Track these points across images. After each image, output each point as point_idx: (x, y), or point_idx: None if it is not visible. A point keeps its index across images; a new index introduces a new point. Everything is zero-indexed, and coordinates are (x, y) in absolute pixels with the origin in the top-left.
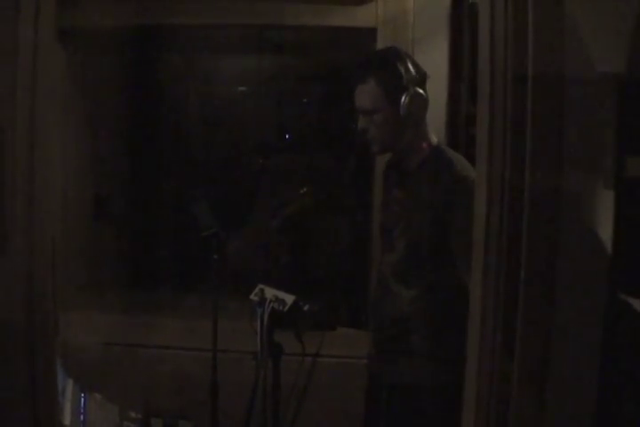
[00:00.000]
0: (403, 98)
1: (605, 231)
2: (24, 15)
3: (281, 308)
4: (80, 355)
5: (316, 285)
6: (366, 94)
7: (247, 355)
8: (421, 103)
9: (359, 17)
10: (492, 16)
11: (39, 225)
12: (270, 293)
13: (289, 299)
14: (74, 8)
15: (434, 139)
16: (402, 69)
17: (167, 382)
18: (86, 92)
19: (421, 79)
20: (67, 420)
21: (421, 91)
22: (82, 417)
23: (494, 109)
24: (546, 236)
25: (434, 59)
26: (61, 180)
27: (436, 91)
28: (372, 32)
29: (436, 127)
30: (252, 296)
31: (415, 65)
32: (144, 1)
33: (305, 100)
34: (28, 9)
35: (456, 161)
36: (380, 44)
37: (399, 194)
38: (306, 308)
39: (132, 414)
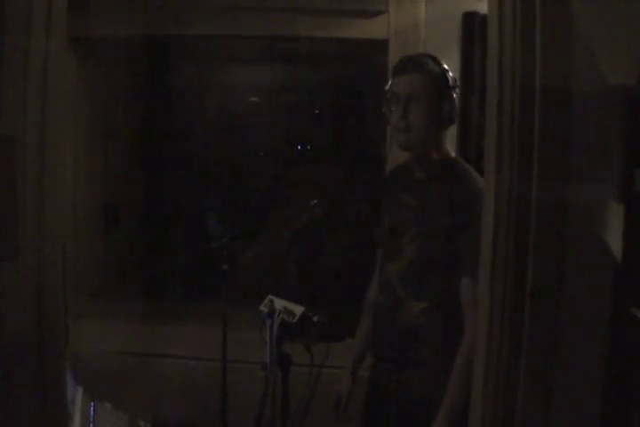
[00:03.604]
0: (448, 95)
1: (615, 244)
2: (35, 23)
3: (290, 319)
4: (91, 363)
5: (326, 296)
6: (418, 81)
7: (257, 365)
8: (455, 109)
9: (371, 29)
10: (501, 29)
11: (50, 234)
12: (280, 304)
13: (298, 310)
14: (86, 16)
15: (451, 151)
16: (448, 72)
17: (177, 392)
18: (98, 101)
19: (455, 89)
20: None
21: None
22: (91, 426)
23: (502, 122)
24: (553, 247)
25: None
26: (72, 188)
27: None
28: (383, 44)
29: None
30: (262, 307)
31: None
32: (157, 11)
33: (317, 111)
34: (40, 17)
35: (471, 174)
36: (392, 56)
37: (410, 201)
38: (315, 319)
39: (142, 424)
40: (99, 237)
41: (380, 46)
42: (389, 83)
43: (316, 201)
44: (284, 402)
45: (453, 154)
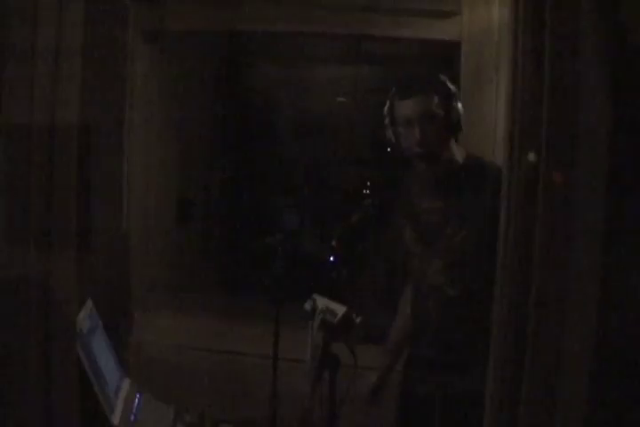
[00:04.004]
0: (454, 105)
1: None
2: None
3: (331, 319)
4: (148, 355)
5: (373, 296)
6: (426, 103)
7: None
8: (460, 116)
9: (444, 30)
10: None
11: (119, 224)
12: (323, 303)
13: (340, 310)
14: (163, 10)
15: (459, 149)
16: (447, 82)
17: (229, 388)
18: (172, 95)
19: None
20: (116, 419)
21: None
22: (132, 417)
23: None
24: (558, 258)
25: None
26: (145, 181)
27: None
28: (457, 46)
29: None
30: (305, 306)
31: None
32: (237, 6)
33: None
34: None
35: (492, 162)
36: (464, 58)
37: (438, 203)
38: (358, 320)
39: (188, 418)
40: (171, 232)
41: (458, 48)
42: (391, 106)
43: (370, 201)
44: (331, 403)
45: (461, 152)
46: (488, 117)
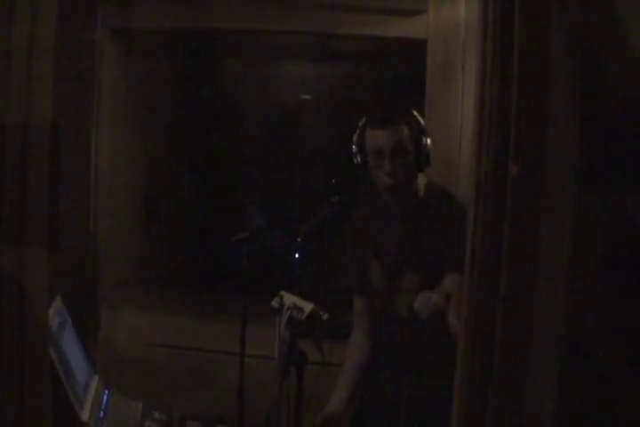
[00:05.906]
0: (424, 141)
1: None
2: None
3: (299, 316)
4: (116, 352)
5: (340, 294)
6: (399, 136)
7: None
8: (430, 153)
9: (410, 28)
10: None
11: (87, 222)
12: (290, 300)
13: (307, 307)
14: (129, 8)
15: (424, 180)
16: (418, 117)
17: (197, 385)
18: (139, 93)
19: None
20: (85, 416)
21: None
22: (101, 414)
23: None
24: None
25: None
26: (111, 179)
27: None
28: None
29: None
30: (273, 303)
31: None
32: (204, 5)
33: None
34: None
35: (452, 191)
36: (431, 55)
37: (405, 233)
38: (325, 317)
39: (156, 414)
40: (138, 229)
41: (422, 45)
42: (361, 134)
43: (336, 198)
44: (298, 401)
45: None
46: (454, 115)
